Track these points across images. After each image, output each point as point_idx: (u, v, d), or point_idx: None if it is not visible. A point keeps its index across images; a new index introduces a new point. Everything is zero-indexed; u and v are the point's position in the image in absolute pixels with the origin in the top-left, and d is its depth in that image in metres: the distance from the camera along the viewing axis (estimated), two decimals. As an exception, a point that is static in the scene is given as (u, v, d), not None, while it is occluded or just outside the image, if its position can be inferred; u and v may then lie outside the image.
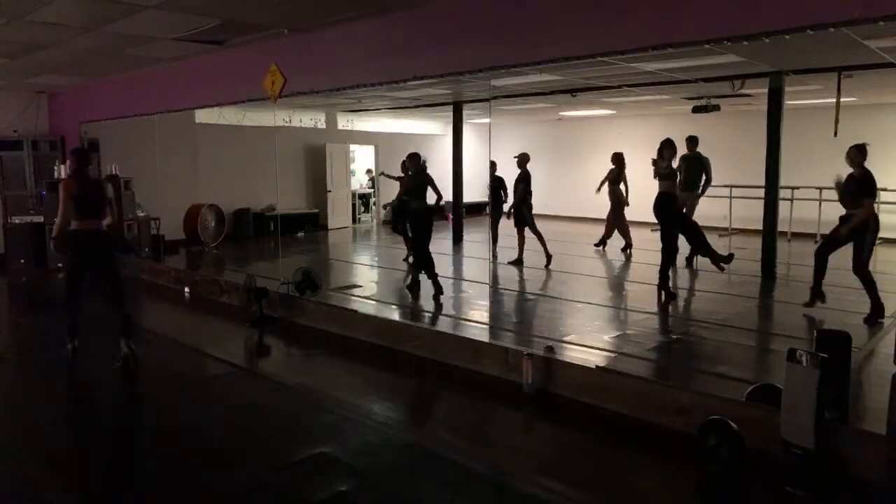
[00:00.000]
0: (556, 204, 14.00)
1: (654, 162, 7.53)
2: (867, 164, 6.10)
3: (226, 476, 3.71)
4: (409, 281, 8.12)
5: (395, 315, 7.20)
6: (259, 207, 13.04)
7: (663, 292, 7.39)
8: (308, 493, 3.48)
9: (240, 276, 7.83)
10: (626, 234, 10.44)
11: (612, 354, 5.56)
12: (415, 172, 7.97)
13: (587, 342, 5.88)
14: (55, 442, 4.31)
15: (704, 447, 3.67)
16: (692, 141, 8.94)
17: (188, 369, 5.84)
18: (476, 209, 15.12)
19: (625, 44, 4.65)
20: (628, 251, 10.43)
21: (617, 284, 9.25)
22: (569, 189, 14.42)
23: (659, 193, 7.44)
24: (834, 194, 6.47)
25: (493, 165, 9.58)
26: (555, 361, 4.86)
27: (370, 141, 15.79)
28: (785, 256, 9.14)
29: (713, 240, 8.42)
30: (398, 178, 9.61)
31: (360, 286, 9.05)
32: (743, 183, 11.03)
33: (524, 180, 9.47)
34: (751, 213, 9.92)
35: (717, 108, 9.83)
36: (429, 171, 8.12)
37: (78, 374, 5.59)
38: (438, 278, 7.63)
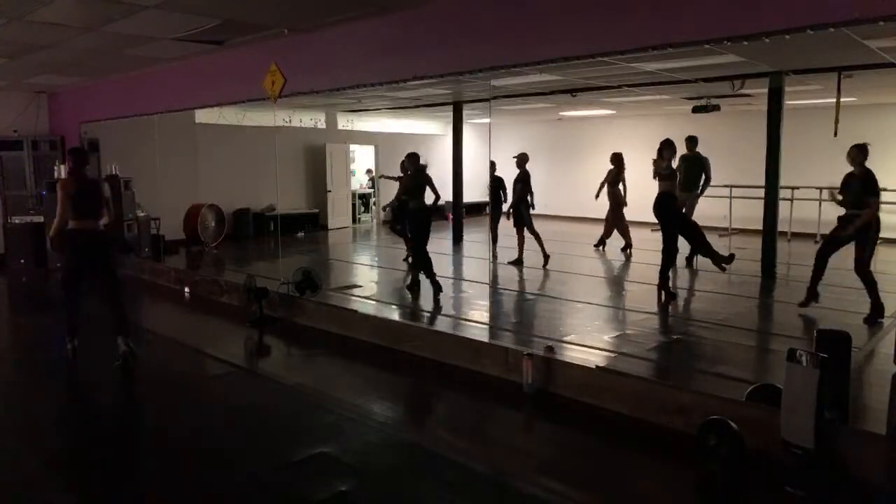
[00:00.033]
0: (556, 204, 14.00)
1: (655, 162, 7.53)
2: (867, 164, 6.11)
3: (226, 476, 3.71)
4: (409, 281, 8.12)
5: (395, 315, 7.20)
6: (259, 207, 13.04)
7: (663, 292, 7.39)
8: (308, 493, 3.48)
9: (240, 276, 7.83)
10: (625, 234, 10.44)
11: (612, 354, 5.56)
12: (413, 172, 7.98)
13: (587, 342, 5.88)
14: (55, 442, 4.31)
15: (704, 447, 3.67)
16: (691, 141, 8.94)
17: (188, 369, 5.84)
18: (476, 209, 15.12)
19: (625, 44, 4.65)
20: (628, 251, 10.43)
21: (617, 284, 9.25)
22: (569, 189, 14.42)
23: (659, 193, 7.43)
24: (836, 185, 6.46)
25: (492, 165, 9.59)
26: (555, 361, 4.86)
27: (370, 141, 15.79)
28: (785, 256, 9.14)
29: (713, 240, 8.42)
30: (397, 179, 9.61)
31: (360, 286, 9.05)
32: (743, 183, 11.03)
33: (523, 180, 9.48)
34: (751, 213, 9.92)
35: (717, 108, 9.83)
36: (429, 171, 8.13)
37: (78, 374, 5.59)
38: (437, 277, 7.64)
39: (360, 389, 5.21)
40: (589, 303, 7.64)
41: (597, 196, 10.53)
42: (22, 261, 10.30)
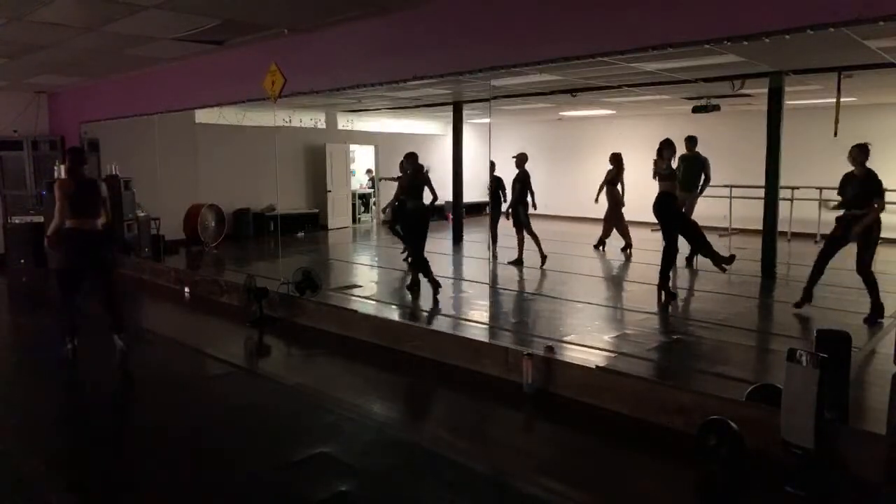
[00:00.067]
0: (556, 204, 14.00)
1: (655, 163, 7.53)
2: (867, 165, 6.11)
3: (226, 476, 3.71)
4: (409, 281, 8.12)
5: (395, 315, 7.20)
6: (259, 207, 13.04)
7: (663, 292, 7.39)
8: (308, 493, 3.48)
9: (240, 276, 7.83)
10: (625, 234, 10.45)
11: (612, 354, 5.56)
12: (412, 172, 7.98)
13: (587, 342, 5.88)
14: (55, 442, 4.31)
15: (704, 447, 3.67)
16: (691, 141, 8.94)
17: (188, 369, 5.84)
18: (476, 209, 15.12)
19: (625, 44, 4.65)
20: (628, 251, 10.43)
21: (617, 284, 9.25)
22: (569, 189, 14.42)
23: (659, 193, 7.43)
24: (833, 194, 6.47)
25: (492, 165, 9.59)
26: (555, 361, 4.86)
27: (370, 141, 15.79)
28: (785, 256, 9.14)
29: (713, 240, 8.42)
30: (396, 179, 9.62)
31: (360, 286, 9.05)
32: (743, 183, 11.03)
33: (522, 180, 9.48)
34: (751, 213, 9.92)
35: (717, 108, 9.83)
36: (430, 171, 8.13)
37: (78, 374, 5.59)
38: (434, 275, 7.67)
39: (360, 389, 5.21)
40: (589, 303, 7.64)
41: (596, 199, 10.55)
42: (22, 261, 10.29)
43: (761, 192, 8.55)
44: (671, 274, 7.69)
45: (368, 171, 16.53)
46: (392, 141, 15.24)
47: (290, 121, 13.89)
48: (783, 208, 8.89)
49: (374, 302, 7.85)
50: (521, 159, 9.56)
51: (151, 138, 10.17)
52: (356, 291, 8.37)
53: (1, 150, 10.86)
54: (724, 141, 11.38)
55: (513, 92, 9.68)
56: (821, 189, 10.00)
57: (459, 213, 12.39)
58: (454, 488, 3.54)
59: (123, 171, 10.29)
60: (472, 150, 12.89)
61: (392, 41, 6.17)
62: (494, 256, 9.83)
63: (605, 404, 4.47)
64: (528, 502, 3.45)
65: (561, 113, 14.30)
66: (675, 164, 7.70)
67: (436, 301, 7.49)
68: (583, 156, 14.99)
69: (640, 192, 9.16)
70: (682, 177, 8.13)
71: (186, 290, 8.62)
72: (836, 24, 3.75)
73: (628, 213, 10.54)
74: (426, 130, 16.53)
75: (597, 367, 4.81)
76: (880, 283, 6.19)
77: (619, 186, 10.39)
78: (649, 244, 9.91)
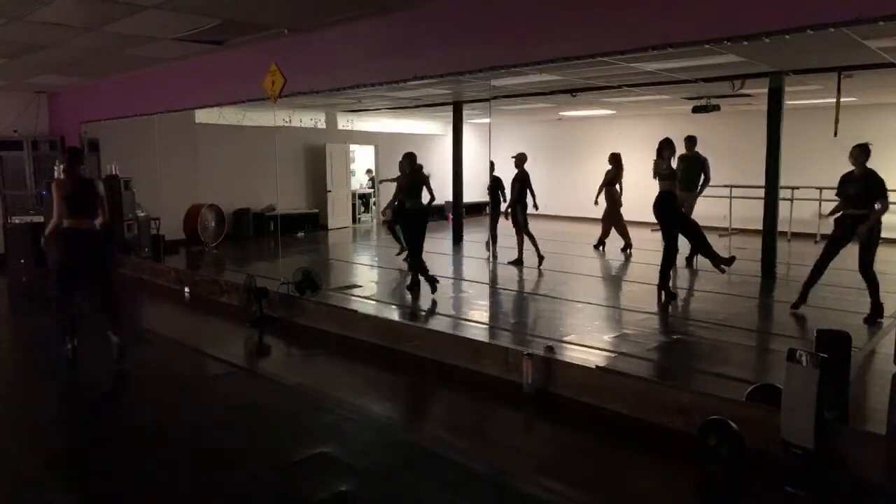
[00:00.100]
0: (556, 204, 13.99)
1: (655, 163, 7.53)
2: (868, 165, 6.11)
3: (226, 476, 3.71)
4: (409, 281, 8.12)
5: (395, 315, 7.20)
6: (259, 207, 13.04)
7: (663, 292, 7.39)
8: (308, 493, 3.48)
9: (240, 276, 7.83)
10: (624, 234, 10.45)
11: (612, 354, 5.56)
12: (410, 172, 7.98)
13: (587, 342, 5.88)
14: (55, 442, 4.31)
15: (704, 447, 3.67)
16: (690, 141, 8.94)
17: (188, 369, 5.84)
18: (476, 209, 15.13)
19: (625, 44, 4.65)
20: (628, 251, 10.43)
21: (617, 284, 9.25)
22: (569, 189, 14.42)
23: (659, 193, 7.43)
24: (831, 196, 6.48)
25: (491, 165, 9.60)
26: (555, 361, 4.86)
27: (370, 141, 15.79)
28: (785, 256, 9.14)
29: (713, 240, 8.42)
30: (394, 180, 9.62)
31: (360, 286, 9.05)
32: (743, 183, 11.03)
33: (520, 180, 9.48)
34: (751, 213, 9.92)
35: (717, 108, 9.83)
36: (431, 171, 8.15)
37: (78, 374, 5.58)
38: (430, 273, 7.71)
39: (360, 389, 5.21)
40: (589, 303, 7.65)
41: (596, 201, 10.55)
42: (22, 261, 10.28)
43: (761, 192, 8.55)
44: (671, 274, 7.69)
45: (368, 171, 16.52)
46: (392, 141, 15.23)
47: (290, 121, 13.89)
48: (783, 208, 8.89)
49: (374, 302, 7.85)
50: (520, 159, 9.56)
51: (151, 138, 10.18)
52: (356, 291, 8.37)
53: (1, 150, 10.86)
54: (724, 141, 11.38)
55: (513, 92, 9.68)
56: (821, 189, 9.99)
57: (459, 213, 12.39)
58: (454, 488, 3.54)
59: (123, 171, 10.29)
60: (472, 150, 12.89)
61: (392, 41, 6.17)
62: (494, 256, 9.83)
63: (605, 404, 4.47)
64: (528, 502, 3.45)
65: (561, 113, 14.30)
66: (674, 163, 7.70)
67: (432, 291, 7.55)
68: (583, 156, 14.99)
69: (640, 192, 9.16)
70: (681, 177, 8.13)
71: (186, 290, 8.62)
72: (836, 24, 3.75)
73: (628, 213, 10.53)
74: (426, 130, 16.52)
75: (597, 367, 4.81)
76: (880, 283, 6.19)
77: (617, 187, 10.38)
78: (649, 244, 9.91)
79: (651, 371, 5.28)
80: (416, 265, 7.83)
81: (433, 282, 7.68)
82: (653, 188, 7.51)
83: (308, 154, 14.40)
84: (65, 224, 5.48)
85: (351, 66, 6.53)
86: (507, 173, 9.83)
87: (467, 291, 8.51)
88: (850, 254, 6.27)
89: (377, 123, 15.65)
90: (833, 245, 6.36)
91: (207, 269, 10.57)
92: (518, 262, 9.50)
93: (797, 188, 10.74)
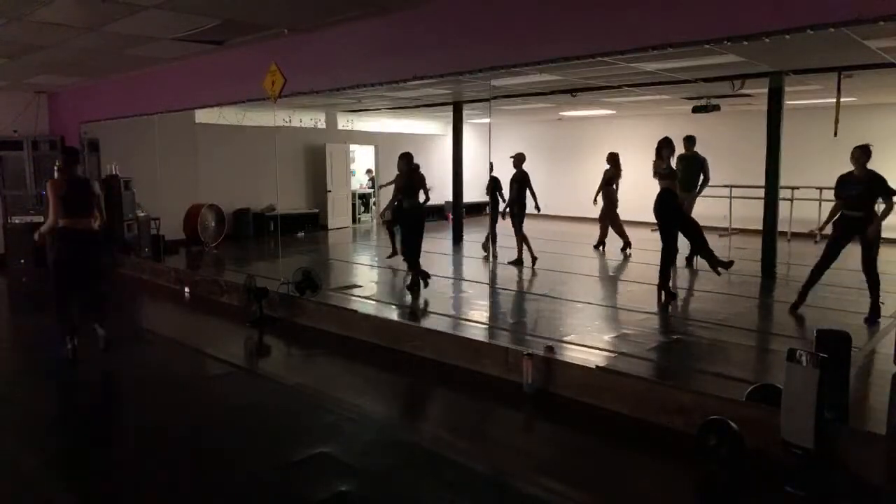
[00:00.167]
0: (556, 204, 13.99)
1: (655, 163, 7.53)
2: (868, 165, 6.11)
3: (226, 476, 3.71)
4: (409, 281, 8.13)
5: (395, 315, 7.20)
6: (259, 207, 13.04)
7: (663, 292, 7.39)
8: (308, 493, 3.48)
9: (240, 276, 7.83)
10: (622, 234, 10.45)
11: (612, 354, 5.56)
12: (407, 172, 7.99)
13: (587, 342, 5.88)
14: (55, 442, 4.31)
15: (704, 447, 3.68)
16: (689, 140, 8.94)
17: (188, 369, 5.84)
18: (476, 209, 15.13)
19: (625, 44, 4.65)
20: (627, 251, 10.43)
21: (616, 284, 9.25)
22: (568, 189, 14.42)
23: (659, 192, 7.43)
24: (830, 197, 6.48)
25: (490, 166, 9.60)
26: (555, 361, 4.86)
27: (370, 141, 15.79)
28: (785, 256, 9.14)
29: (713, 240, 8.42)
30: (392, 182, 9.61)
31: (360, 286, 9.05)
32: (743, 183, 11.03)
33: (519, 180, 9.49)
34: (751, 213, 9.93)
35: (717, 108, 9.83)
36: (430, 171, 8.16)
37: (78, 374, 5.58)
38: (421, 267, 7.82)
39: (360, 389, 5.21)
40: (589, 303, 7.65)
41: (594, 201, 10.55)
42: (22, 261, 10.28)
43: (761, 192, 8.55)
44: (671, 274, 7.69)
45: (368, 171, 16.52)
46: (392, 141, 15.22)
47: (290, 121, 13.89)
48: (783, 208, 8.88)
49: (374, 302, 7.86)
50: (518, 159, 9.56)
51: (151, 138, 10.17)
52: (356, 291, 8.37)
53: (1, 150, 10.85)
54: (724, 141, 11.38)
55: (513, 92, 9.68)
56: (821, 189, 9.99)
57: (459, 213, 12.40)
58: (454, 488, 3.54)
59: (123, 171, 10.30)
60: (472, 150, 12.90)
61: (392, 41, 6.17)
62: (494, 256, 9.84)
63: (605, 404, 4.47)
64: (528, 502, 3.45)
65: (561, 113, 14.30)
66: (673, 163, 7.70)
67: (424, 284, 7.78)
68: (583, 156, 14.99)
69: (640, 192, 9.16)
70: (680, 177, 8.13)
71: (186, 290, 8.62)
72: (836, 24, 3.75)
73: (628, 213, 10.54)
74: (426, 130, 16.52)
75: (597, 367, 4.81)
76: (881, 282, 6.19)
77: (614, 186, 10.38)
78: (649, 244, 9.90)
79: (651, 371, 5.28)
80: (412, 262, 7.86)
81: (425, 276, 7.81)
82: (652, 188, 7.51)
83: (308, 154, 14.40)
84: (60, 224, 5.49)
85: (351, 66, 6.53)
86: (506, 173, 9.83)
87: (467, 291, 8.51)
88: (849, 254, 6.27)
89: (377, 123, 15.65)
90: (833, 247, 6.36)
91: (207, 269, 10.57)
92: (518, 262, 9.50)
93: (797, 188, 10.74)
